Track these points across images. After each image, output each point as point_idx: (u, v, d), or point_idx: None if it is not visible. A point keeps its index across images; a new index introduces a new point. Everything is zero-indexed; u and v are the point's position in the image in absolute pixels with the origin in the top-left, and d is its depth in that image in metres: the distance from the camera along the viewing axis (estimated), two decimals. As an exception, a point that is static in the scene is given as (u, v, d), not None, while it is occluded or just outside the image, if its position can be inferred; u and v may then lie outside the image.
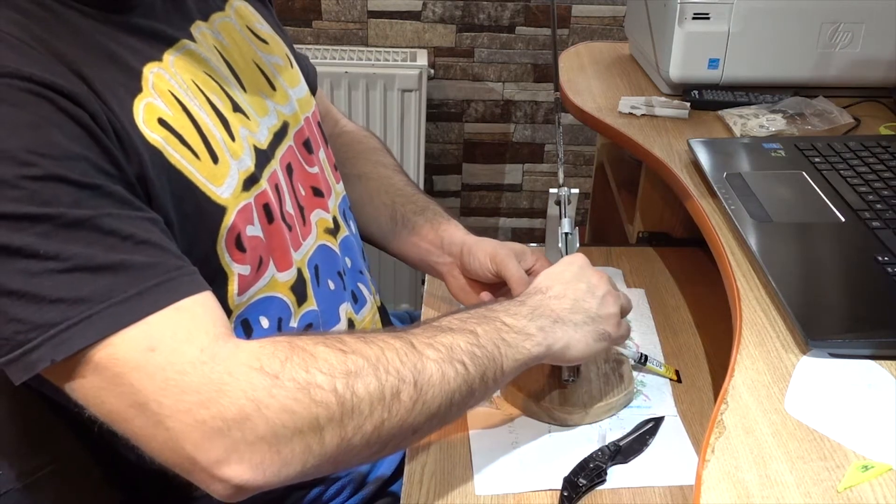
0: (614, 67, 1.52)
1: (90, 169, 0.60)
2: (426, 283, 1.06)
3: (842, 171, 1.03)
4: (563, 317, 0.76)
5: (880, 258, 0.84)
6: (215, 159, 0.72)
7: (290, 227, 0.82)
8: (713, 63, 1.29)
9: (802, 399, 0.69)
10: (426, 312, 1.03)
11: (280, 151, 0.84)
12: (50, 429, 0.76)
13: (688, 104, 1.27)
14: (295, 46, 1.02)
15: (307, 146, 0.90)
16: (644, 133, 1.22)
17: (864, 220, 0.91)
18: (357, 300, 0.93)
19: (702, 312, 1.03)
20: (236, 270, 0.73)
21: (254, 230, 0.75)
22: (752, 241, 0.88)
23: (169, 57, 0.73)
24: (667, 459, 0.80)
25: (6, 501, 0.73)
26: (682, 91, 1.32)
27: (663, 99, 1.30)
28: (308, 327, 0.83)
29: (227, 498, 0.60)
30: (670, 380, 0.91)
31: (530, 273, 0.90)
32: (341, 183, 0.98)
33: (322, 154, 0.94)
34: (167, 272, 0.61)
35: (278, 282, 0.79)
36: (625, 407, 0.86)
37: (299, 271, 0.82)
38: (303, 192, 0.87)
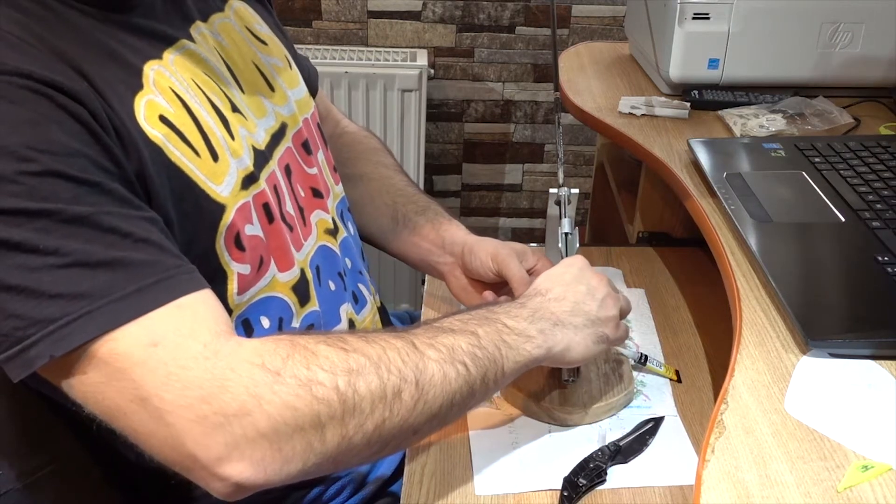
0: (614, 67, 1.52)
1: (89, 165, 0.60)
2: (426, 284, 1.06)
3: (842, 171, 1.03)
4: (563, 319, 0.76)
5: (880, 258, 0.84)
6: (215, 157, 0.72)
7: (290, 228, 0.82)
8: (713, 63, 1.29)
9: (802, 399, 0.69)
10: (426, 313, 1.03)
11: (278, 153, 0.84)
12: (49, 429, 0.76)
13: (688, 104, 1.27)
14: (295, 46, 1.02)
15: (306, 147, 0.90)
16: (644, 133, 1.22)
17: (864, 220, 0.91)
18: (357, 301, 0.93)
19: (702, 312, 1.03)
20: (236, 269, 0.73)
21: (253, 229, 0.75)
22: (752, 241, 0.88)
23: (169, 56, 0.73)
24: (667, 459, 0.80)
25: (6, 501, 0.73)
26: (682, 91, 1.32)
27: (663, 99, 1.30)
28: (310, 328, 0.83)
29: (227, 496, 0.60)
30: (670, 380, 0.91)
31: (531, 273, 0.90)
32: (340, 184, 0.98)
33: (321, 155, 0.94)
34: (166, 270, 0.61)
35: (279, 282, 0.79)
36: (625, 407, 0.86)
37: (302, 271, 0.82)
38: (302, 193, 0.87)
